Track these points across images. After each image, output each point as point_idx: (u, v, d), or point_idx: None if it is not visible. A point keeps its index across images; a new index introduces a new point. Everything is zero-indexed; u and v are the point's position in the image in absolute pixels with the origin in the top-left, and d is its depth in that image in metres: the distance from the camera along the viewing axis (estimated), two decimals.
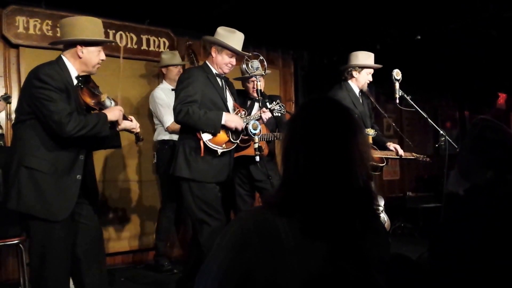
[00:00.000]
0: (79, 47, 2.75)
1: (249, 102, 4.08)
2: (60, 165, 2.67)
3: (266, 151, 3.91)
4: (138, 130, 3.05)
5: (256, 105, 3.97)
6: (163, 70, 4.69)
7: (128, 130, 3.01)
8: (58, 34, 2.90)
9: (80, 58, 2.77)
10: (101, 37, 2.85)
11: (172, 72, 4.60)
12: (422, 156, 4.30)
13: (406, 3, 4.55)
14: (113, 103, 2.91)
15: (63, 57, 2.78)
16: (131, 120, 3.01)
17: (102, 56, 2.86)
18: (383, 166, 4.05)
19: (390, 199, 6.46)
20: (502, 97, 8.92)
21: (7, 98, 3.92)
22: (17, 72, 4.23)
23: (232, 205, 3.97)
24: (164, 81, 4.66)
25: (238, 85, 4.08)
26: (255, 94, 3.90)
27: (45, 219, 2.62)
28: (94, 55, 2.80)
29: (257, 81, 3.41)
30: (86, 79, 2.87)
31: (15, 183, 2.60)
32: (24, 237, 3.40)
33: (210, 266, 1.17)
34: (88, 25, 2.78)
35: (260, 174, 3.78)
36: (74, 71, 2.78)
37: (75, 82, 2.77)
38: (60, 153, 2.67)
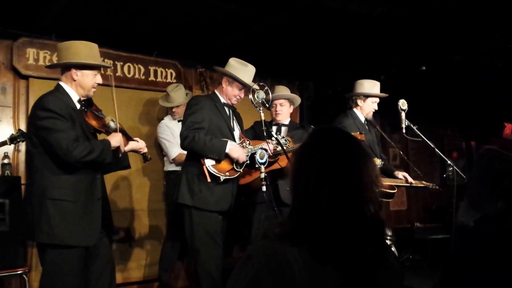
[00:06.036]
0: (73, 70, 2.79)
1: (275, 128, 4.01)
2: (81, 190, 2.70)
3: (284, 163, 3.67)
4: (145, 150, 3.09)
5: (283, 129, 3.98)
6: None
7: (135, 151, 3.03)
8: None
9: (74, 80, 2.80)
10: (95, 61, 2.86)
11: (170, 109, 4.64)
12: (432, 184, 4.25)
13: (411, 34, 4.59)
14: (117, 124, 2.94)
15: (61, 83, 2.82)
16: (137, 141, 3.04)
17: (99, 79, 2.88)
18: (394, 193, 3.98)
19: (398, 230, 6.36)
20: (508, 127, 8.89)
21: (13, 140, 3.30)
22: (26, 103, 4.28)
23: (239, 235, 3.90)
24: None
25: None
26: (278, 118, 3.96)
27: (77, 246, 2.64)
28: (89, 79, 2.83)
29: (261, 111, 3.40)
30: (88, 103, 2.90)
31: (42, 217, 2.60)
32: (28, 267, 3.37)
33: None
34: (83, 49, 2.82)
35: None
36: (74, 95, 2.81)
37: (78, 106, 2.81)
38: (78, 178, 2.70)
